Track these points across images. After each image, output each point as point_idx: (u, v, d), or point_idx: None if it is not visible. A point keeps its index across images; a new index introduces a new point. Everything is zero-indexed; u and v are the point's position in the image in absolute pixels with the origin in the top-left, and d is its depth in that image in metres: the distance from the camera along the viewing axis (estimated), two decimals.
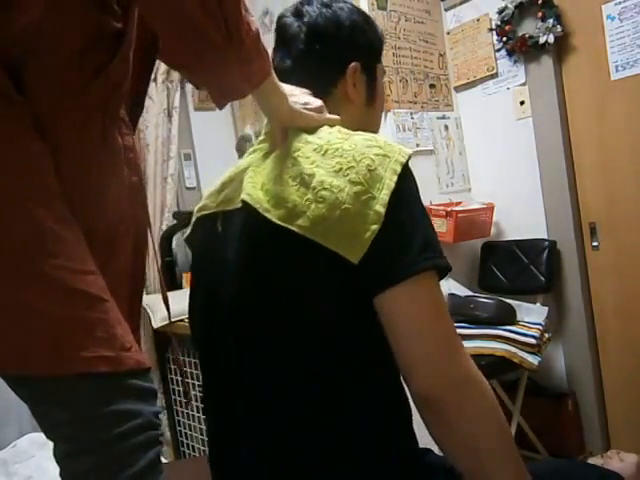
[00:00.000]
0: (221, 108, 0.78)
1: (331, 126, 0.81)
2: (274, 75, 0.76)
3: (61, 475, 0.65)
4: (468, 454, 0.69)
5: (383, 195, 0.70)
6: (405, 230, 0.70)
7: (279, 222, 0.72)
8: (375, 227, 0.69)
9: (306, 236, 0.70)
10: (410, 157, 0.75)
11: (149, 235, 0.85)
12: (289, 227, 0.71)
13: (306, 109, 0.81)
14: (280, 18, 0.91)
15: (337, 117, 0.84)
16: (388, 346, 0.70)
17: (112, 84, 0.71)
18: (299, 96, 0.82)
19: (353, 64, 0.88)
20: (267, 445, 0.75)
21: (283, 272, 0.73)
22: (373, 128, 0.94)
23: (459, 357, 0.69)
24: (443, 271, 0.73)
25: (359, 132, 0.78)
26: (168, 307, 0.93)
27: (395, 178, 0.71)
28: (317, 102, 0.83)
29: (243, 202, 0.76)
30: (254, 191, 0.76)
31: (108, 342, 0.64)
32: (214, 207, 0.85)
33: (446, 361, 0.68)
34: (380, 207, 0.69)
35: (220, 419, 0.85)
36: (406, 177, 0.73)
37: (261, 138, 0.88)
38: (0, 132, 0.61)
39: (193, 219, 0.91)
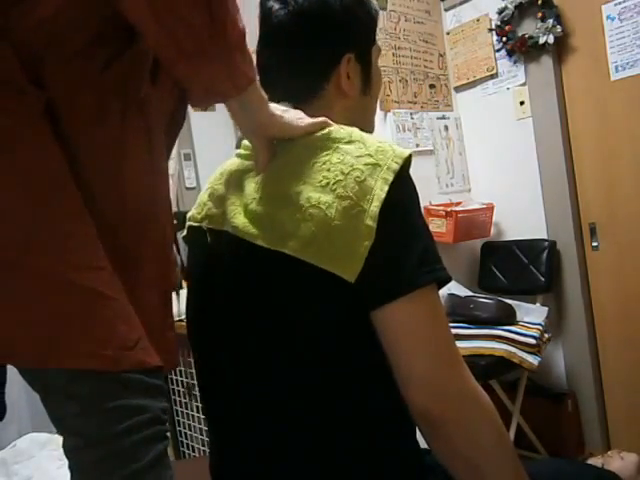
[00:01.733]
0: (203, 107, 0.75)
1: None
2: (258, 83, 0.71)
3: (70, 467, 0.66)
4: (468, 468, 0.68)
5: (373, 207, 0.66)
6: (400, 243, 0.68)
7: (269, 247, 0.69)
8: (367, 243, 0.66)
9: (298, 257, 0.67)
10: (408, 160, 0.70)
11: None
12: (280, 250, 0.68)
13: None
14: (264, 3, 0.83)
15: (326, 120, 0.76)
16: (386, 360, 0.69)
17: (130, 69, 0.69)
18: (278, 104, 0.77)
19: (346, 56, 0.81)
20: (265, 446, 0.75)
21: (276, 296, 0.71)
22: (370, 116, 0.90)
23: (457, 371, 0.68)
24: (443, 283, 0.71)
25: (351, 134, 0.73)
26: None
27: (386, 188, 0.67)
28: (296, 110, 0.78)
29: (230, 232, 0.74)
30: (239, 219, 0.74)
31: (106, 340, 0.63)
32: (199, 220, 0.83)
33: (444, 375, 0.67)
34: (370, 221, 0.66)
35: (217, 425, 0.85)
36: (400, 185, 0.68)
37: (242, 152, 0.84)
38: (9, 126, 0.61)
39: (187, 223, 0.90)
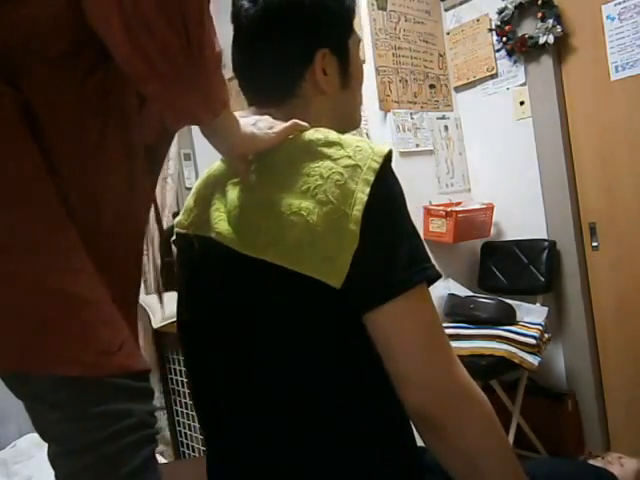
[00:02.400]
0: (174, 131, 0.73)
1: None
2: (229, 106, 0.69)
3: (55, 476, 0.65)
4: (467, 470, 0.68)
5: (355, 211, 0.65)
6: (386, 245, 0.66)
7: (252, 255, 0.68)
8: (352, 248, 0.64)
9: (282, 265, 0.66)
10: (388, 157, 0.68)
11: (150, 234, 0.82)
12: (263, 258, 0.67)
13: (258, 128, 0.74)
14: (235, 2, 0.80)
15: (295, 122, 0.74)
16: (379, 362, 0.68)
17: (113, 81, 0.67)
18: (247, 118, 0.75)
19: (321, 52, 0.78)
20: (257, 446, 0.74)
21: (261, 303, 0.70)
22: (352, 111, 0.87)
23: (453, 370, 0.67)
24: (433, 281, 0.69)
25: (328, 136, 0.71)
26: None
27: (367, 190, 0.65)
28: (264, 118, 0.76)
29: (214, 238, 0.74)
30: (222, 226, 0.73)
31: (86, 345, 0.61)
32: (186, 226, 0.83)
33: (440, 376, 0.66)
34: (354, 225, 0.64)
35: (208, 426, 0.85)
36: (382, 184, 0.67)
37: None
38: None
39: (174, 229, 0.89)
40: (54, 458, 0.64)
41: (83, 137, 0.65)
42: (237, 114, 0.74)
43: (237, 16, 0.80)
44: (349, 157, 0.67)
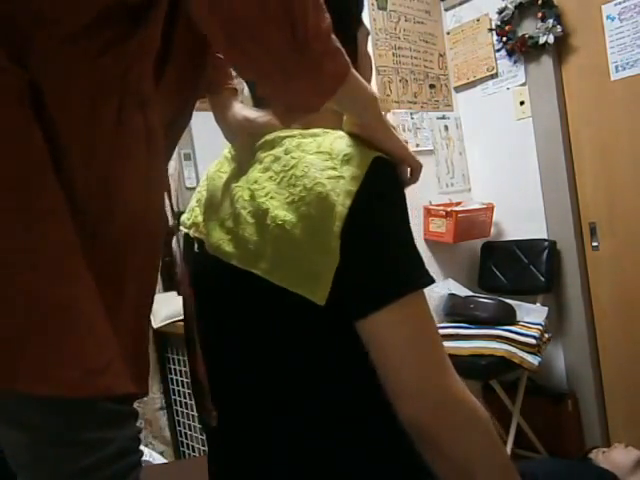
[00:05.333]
0: (287, 125, 0.67)
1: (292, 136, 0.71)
2: (354, 73, 0.62)
3: None
4: (462, 477, 0.66)
5: (336, 227, 0.61)
6: (372, 256, 0.63)
7: (242, 267, 0.67)
8: (333, 264, 0.62)
9: (268, 279, 0.65)
10: (376, 162, 0.64)
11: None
12: (252, 271, 0.66)
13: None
14: None
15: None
16: (370, 372, 0.66)
17: (131, 58, 0.61)
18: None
19: None
20: (258, 449, 0.74)
21: (251, 315, 0.70)
22: None
23: (447, 379, 0.65)
24: (426, 285, 0.66)
25: (321, 144, 0.67)
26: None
27: (348, 202, 0.61)
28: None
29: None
30: (214, 235, 0.72)
31: (68, 363, 0.53)
32: (188, 227, 0.82)
33: (434, 384, 0.64)
34: (334, 241, 0.61)
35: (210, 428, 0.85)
36: (366, 193, 0.62)
37: (228, 153, 0.81)
38: None
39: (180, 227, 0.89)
40: None
41: (97, 119, 0.58)
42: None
43: None
44: (334, 168, 0.64)
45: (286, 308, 0.67)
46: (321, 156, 0.66)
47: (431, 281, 0.66)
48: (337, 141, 0.67)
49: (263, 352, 0.70)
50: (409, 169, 0.72)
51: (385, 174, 0.66)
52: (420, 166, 0.71)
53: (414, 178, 0.72)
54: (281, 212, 0.64)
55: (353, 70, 0.62)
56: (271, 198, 0.66)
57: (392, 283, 0.63)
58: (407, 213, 0.67)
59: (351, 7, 0.78)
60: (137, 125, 0.62)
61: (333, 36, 0.58)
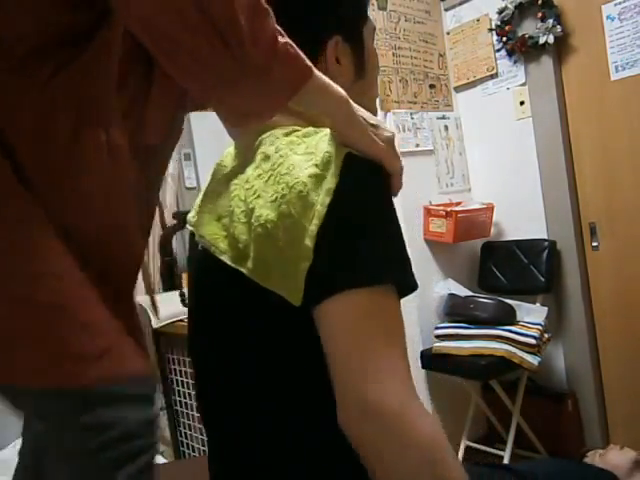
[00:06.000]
0: (235, 127, 0.67)
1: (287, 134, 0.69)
2: (318, 77, 0.60)
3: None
4: None
5: (312, 226, 0.60)
6: (339, 251, 0.60)
7: (232, 265, 0.67)
8: (306, 263, 0.60)
9: (252, 278, 0.64)
10: (349, 158, 0.62)
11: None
12: (240, 270, 0.65)
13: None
14: None
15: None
16: None
17: (82, 78, 0.61)
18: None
19: (333, 39, 0.73)
20: (256, 448, 0.73)
21: (237, 317, 0.69)
22: (368, 102, 0.80)
23: (380, 387, 0.56)
24: (403, 287, 0.62)
25: (309, 145, 0.66)
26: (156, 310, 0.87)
27: (327, 201, 0.60)
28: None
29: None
30: (209, 228, 0.72)
31: (60, 354, 0.56)
32: (193, 224, 0.81)
33: (363, 390, 0.57)
34: (309, 241, 0.60)
35: (210, 427, 0.85)
36: (345, 192, 0.60)
37: (232, 150, 0.81)
38: None
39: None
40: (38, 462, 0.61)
41: (50, 138, 0.60)
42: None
43: None
44: (316, 165, 0.62)
45: (270, 308, 0.65)
46: (306, 156, 0.65)
47: (411, 281, 0.63)
48: (322, 140, 0.66)
49: (248, 351, 0.70)
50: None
51: (357, 170, 0.63)
52: (400, 169, 0.67)
53: (396, 184, 0.66)
54: (264, 211, 0.63)
55: (318, 74, 0.60)
56: (257, 197, 0.65)
57: (351, 272, 0.59)
58: (389, 210, 0.64)
59: (355, 4, 0.77)
60: (96, 142, 0.63)
61: (286, 41, 0.57)
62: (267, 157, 0.69)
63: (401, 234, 0.64)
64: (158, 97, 0.70)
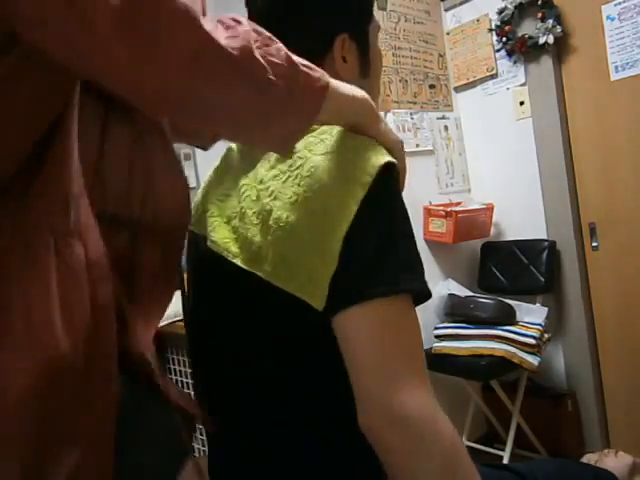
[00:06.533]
0: (282, 155, 0.67)
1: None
2: (332, 83, 0.60)
3: None
4: None
5: (340, 231, 0.60)
6: (364, 259, 0.61)
7: (246, 267, 0.66)
8: (332, 268, 0.60)
9: (270, 282, 0.63)
10: (384, 169, 0.62)
11: None
12: (256, 273, 0.65)
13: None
14: None
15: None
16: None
17: (27, 202, 0.55)
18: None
19: (340, 37, 0.73)
20: (256, 447, 0.74)
21: (252, 314, 0.69)
22: (373, 100, 0.82)
23: (409, 393, 0.58)
24: (419, 296, 0.63)
25: (328, 145, 0.66)
26: None
27: (355, 208, 0.60)
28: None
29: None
30: (219, 232, 0.71)
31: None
32: (192, 223, 0.80)
33: (390, 396, 0.58)
34: (336, 244, 0.60)
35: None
36: (372, 200, 0.61)
37: (234, 146, 0.81)
38: None
39: None
40: None
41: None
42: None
43: (251, 2, 0.76)
44: (339, 169, 0.63)
45: (287, 310, 0.65)
46: (327, 156, 0.64)
47: (420, 289, 0.63)
48: (345, 142, 0.66)
49: (260, 352, 0.70)
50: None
51: (393, 179, 0.65)
52: (405, 170, 0.69)
53: (402, 183, 0.69)
54: (284, 213, 0.63)
55: (330, 79, 0.60)
56: (275, 198, 0.65)
57: (377, 280, 0.60)
58: (409, 220, 0.66)
59: (362, 2, 0.77)
60: (45, 260, 0.56)
61: (295, 60, 0.57)
62: (278, 158, 0.69)
63: (415, 241, 0.66)
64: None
